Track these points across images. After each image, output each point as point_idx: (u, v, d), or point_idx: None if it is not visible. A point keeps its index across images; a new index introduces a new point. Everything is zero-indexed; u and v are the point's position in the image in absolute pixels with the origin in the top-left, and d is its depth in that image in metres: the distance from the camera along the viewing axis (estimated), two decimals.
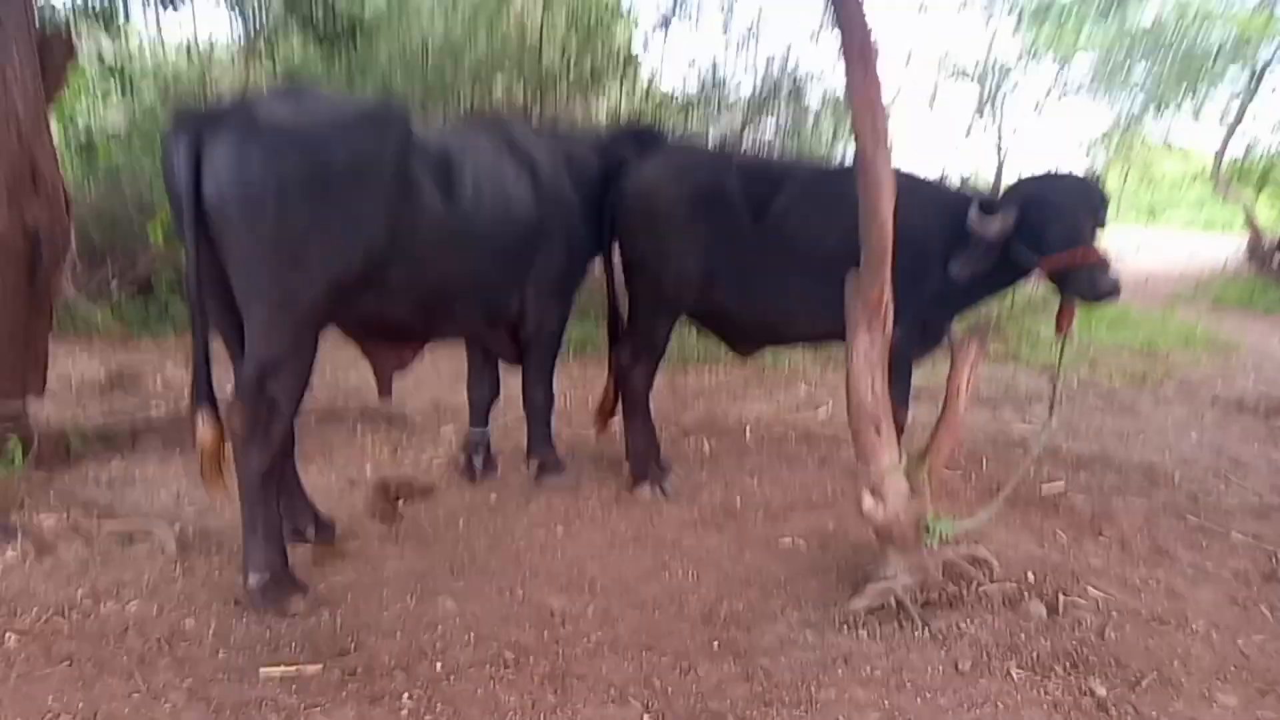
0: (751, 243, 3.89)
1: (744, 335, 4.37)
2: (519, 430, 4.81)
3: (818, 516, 3.88)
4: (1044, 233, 3.49)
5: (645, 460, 4.12)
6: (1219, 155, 15.96)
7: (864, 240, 2.99)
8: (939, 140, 15.90)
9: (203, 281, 2.82)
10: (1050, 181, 3.72)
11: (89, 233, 7.14)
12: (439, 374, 5.96)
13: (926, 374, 6.34)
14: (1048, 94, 12.80)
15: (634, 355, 4.13)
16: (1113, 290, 3.43)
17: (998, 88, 12.43)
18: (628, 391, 4.17)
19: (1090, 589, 3.21)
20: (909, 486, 3.11)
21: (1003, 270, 3.71)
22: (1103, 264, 3.45)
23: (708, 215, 3.90)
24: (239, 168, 2.74)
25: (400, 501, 3.80)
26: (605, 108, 10.21)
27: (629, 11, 10.37)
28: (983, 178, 14.87)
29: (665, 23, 9.60)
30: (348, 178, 2.90)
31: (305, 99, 3.06)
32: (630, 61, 9.89)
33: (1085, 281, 3.45)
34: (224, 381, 2.92)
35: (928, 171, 4.84)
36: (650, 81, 10.31)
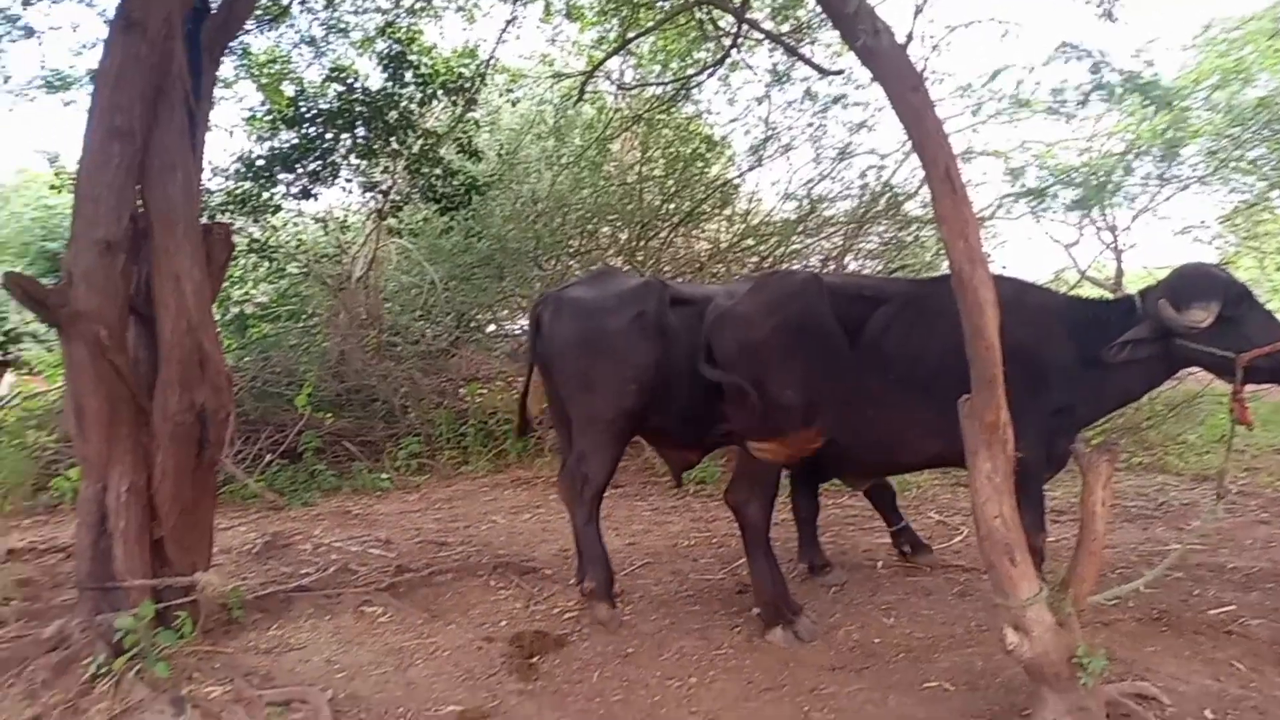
0: (851, 367, 3.89)
1: (853, 465, 4.31)
2: (647, 575, 4.86)
3: (963, 655, 3.70)
4: (1250, 325, 3.43)
5: (775, 602, 4.02)
6: None
7: (972, 362, 2.93)
8: (1048, 240, 15.56)
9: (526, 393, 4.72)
10: (1224, 273, 3.63)
11: (242, 404, 7.82)
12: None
13: (1068, 490, 6.08)
14: (1159, 188, 12.39)
15: (747, 492, 4.09)
16: None
17: (1103, 186, 12.14)
18: (746, 531, 4.12)
19: None
20: (1055, 619, 2.95)
21: (1140, 376, 3.62)
22: None
23: (802, 344, 3.92)
24: (552, 333, 4.39)
25: (535, 657, 3.85)
26: (706, 239, 10.56)
27: (723, 140, 10.64)
28: (1103, 273, 14.36)
29: (757, 153, 9.91)
30: (620, 335, 4.26)
31: (599, 283, 4.63)
32: (727, 190, 10.19)
33: None
34: None
35: (1040, 273, 4.83)
36: (749, 207, 10.58)
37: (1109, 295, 5.83)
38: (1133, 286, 8.07)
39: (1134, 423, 7.47)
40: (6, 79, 7.67)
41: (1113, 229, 15.30)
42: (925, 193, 9.36)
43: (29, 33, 7.09)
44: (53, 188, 9.36)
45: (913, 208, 9.93)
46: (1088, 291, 9.22)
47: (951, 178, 2.96)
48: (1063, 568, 3.14)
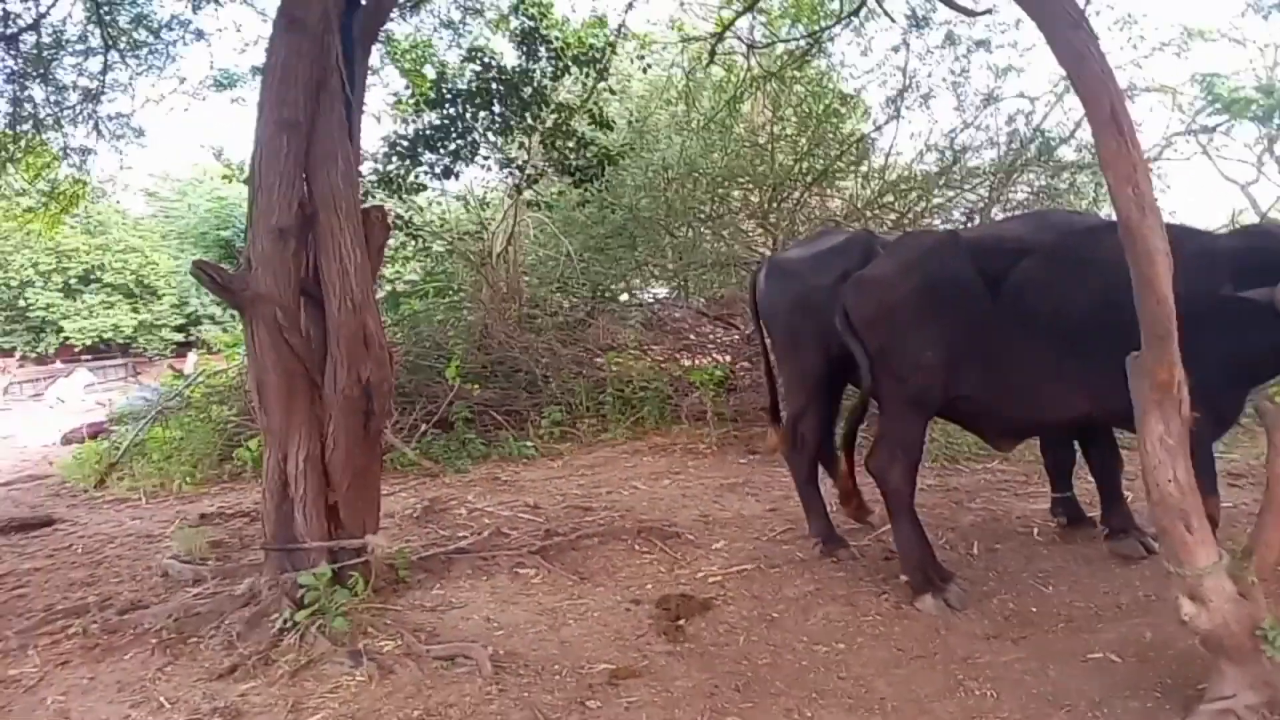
0: (992, 322, 3.74)
1: (995, 424, 4.15)
2: (790, 541, 4.86)
3: (1130, 625, 3.52)
4: None
5: (922, 569, 3.94)
6: None
7: (1142, 317, 2.75)
8: (1221, 182, 14.17)
9: (767, 357, 4.99)
10: None
11: (398, 377, 8.27)
12: (705, 488, 6.16)
13: (1247, 452, 5.63)
14: None
15: (888, 457, 4.00)
16: None
17: None
18: (888, 497, 4.05)
19: None
20: (1237, 588, 2.76)
21: None
22: None
23: (940, 303, 3.81)
24: (764, 291, 4.75)
25: (681, 620, 3.93)
26: (841, 197, 10.27)
27: (858, 93, 10.32)
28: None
29: (894, 104, 9.51)
30: (822, 293, 4.28)
31: (812, 242, 4.92)
32: (863, 146, 9.87)
33: None
34: None
35: (1212, 219, 4.46)
36: (886, 162, 10.21)
37: None
38: None
39: None
40: (182, 80, 8.34)
41: None
42: (1081, 136, 8.76)
43: (199, 35, 7.68)
44: (224, 178, 10.12)
45: (1066, 153, 9.31)
46: None
47: (1118, 120, 2.77)
48: (1239, 534, 2.93)
